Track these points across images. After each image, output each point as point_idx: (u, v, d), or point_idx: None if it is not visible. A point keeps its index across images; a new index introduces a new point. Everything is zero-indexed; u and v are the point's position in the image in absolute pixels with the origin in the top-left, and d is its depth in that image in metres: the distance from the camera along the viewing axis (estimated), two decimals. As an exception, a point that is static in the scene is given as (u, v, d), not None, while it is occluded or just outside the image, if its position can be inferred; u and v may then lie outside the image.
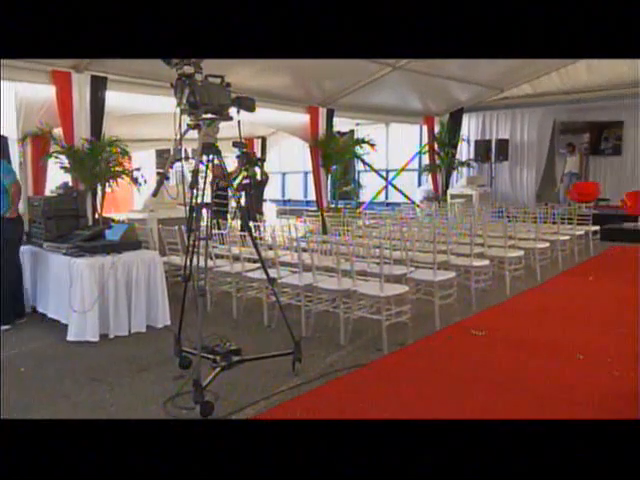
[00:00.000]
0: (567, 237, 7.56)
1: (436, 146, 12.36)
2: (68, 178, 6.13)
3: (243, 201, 8.03)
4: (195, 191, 3.47)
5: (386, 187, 14.58)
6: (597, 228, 8.60)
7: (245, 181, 8.10)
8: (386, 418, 3.00)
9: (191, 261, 3.61)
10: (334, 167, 10.24)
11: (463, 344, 4.47)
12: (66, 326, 4.66)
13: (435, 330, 4.76)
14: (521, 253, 6.24)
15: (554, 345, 4.34)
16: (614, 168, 12.99)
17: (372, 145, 10.61)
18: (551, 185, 13.04)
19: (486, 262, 5.63)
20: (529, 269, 6.59)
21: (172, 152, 3.59)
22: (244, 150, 7.81)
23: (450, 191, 12.05)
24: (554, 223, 7.70)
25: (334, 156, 9.97)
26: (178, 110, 3.40)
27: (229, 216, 8.16)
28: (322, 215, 8.30)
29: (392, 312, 4.39)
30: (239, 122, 3.69)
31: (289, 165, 16.36)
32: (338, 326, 4.47)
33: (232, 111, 3.62)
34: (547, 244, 6.92)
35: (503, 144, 12.63)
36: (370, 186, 14.25)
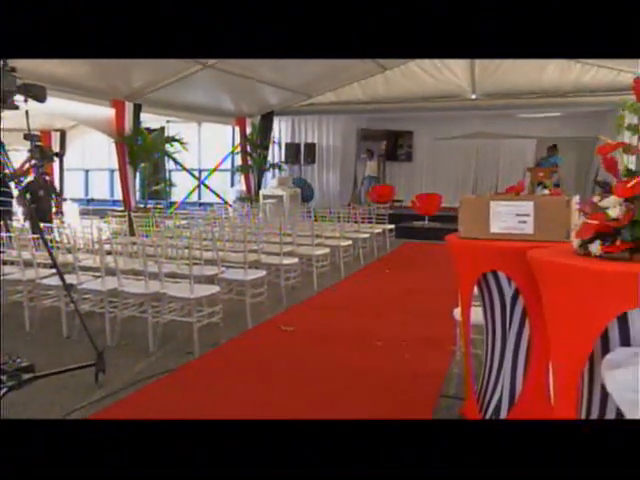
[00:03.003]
0: (367, 235, 8.26)
1: (248, 147, 12.54)
2: None
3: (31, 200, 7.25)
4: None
5: (199, 187, 14.38)
6: (392, 226, 9.53)
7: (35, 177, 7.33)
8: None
9: (-32, 269, 3.16)
10: (142, 165, 9.80)
11: (274, 340, 4.60)
12: None
13: (247, 328, 4.83)
14: (327, 251, 6.64)
15: (356, 334, 4.69)
16: (406, 172, 14.54)
17: (183, 143, 10.38)
18: (354, 187, 14.11)
19: (295, 260, 5.88)
20: (334, 265, 7.04)
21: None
22: (37, 143, 7.08)
23: (262, 192, 12.32)
24: (356, 222, 8.34)
25: (142, 153, 9.54)
26: (-52, 95, 2.95)
27: (22, 217, 7.31)
28: (129, 215, 7.87)
29: (204, 313, 4.35)
30: (27, 112, 3.33)
31: (93, 162, 15.23)
32: (146, 332, 4.28)
33: (19, 99, 3.25)
34: (350, 242, 7.47)
35: (311, 147, 13.30)
36: (182, 185, 13.93)
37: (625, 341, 1.74)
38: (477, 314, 2.79)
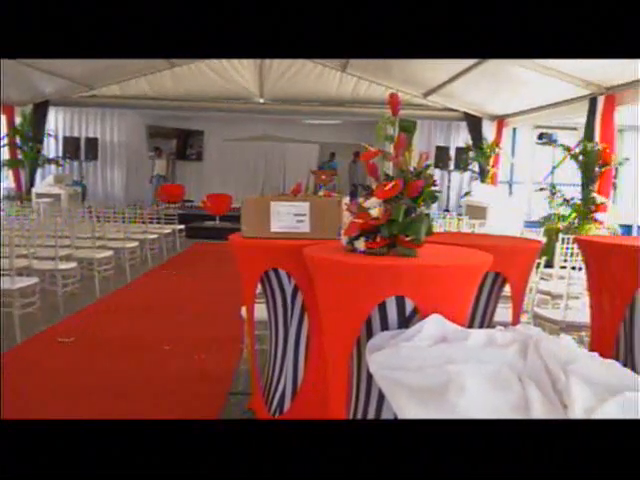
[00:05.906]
0: (155, 236, 7.97)
1: (18, 139, 11.18)
2: None
3: None
4: None
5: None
6: (183, 227, 9.36)
7: None
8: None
9: None
10: None
11: (49, 354, 4.18)
12: None
13: (16, 344, 4.29)
14: (110, 253, 6.22)
15: (143, 339, 4.50)
16: (197, 172, 14.42)
17: None
18: (142, 186, 13.51)
19: (73, 264, 5.41)
20: (119, 268, 6.64)
21: None
22: None
23: (35, 190, 11.08)
24: (143, 222, 7.99)
25: None
26: None
27: None
28: None
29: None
30: None
31: None
32: None
33: None
34: (136, 243, 7.13)
35: (93, 143, 12.36)
36: None
37: (385, 326, 1.96)
38: (262, 311, 2.89)
